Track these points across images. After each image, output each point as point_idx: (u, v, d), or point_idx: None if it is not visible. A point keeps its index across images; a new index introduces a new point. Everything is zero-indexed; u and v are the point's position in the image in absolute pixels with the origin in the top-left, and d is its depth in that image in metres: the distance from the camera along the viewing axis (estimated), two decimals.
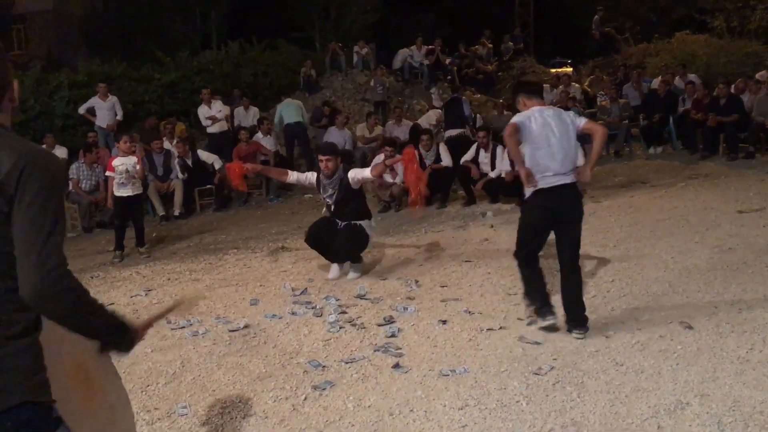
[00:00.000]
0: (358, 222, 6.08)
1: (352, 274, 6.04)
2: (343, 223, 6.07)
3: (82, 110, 12.42)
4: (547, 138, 4.19)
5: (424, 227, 8.11)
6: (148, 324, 2.06)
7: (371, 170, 6.10)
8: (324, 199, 6.18)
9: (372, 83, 15.01)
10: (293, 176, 6.32)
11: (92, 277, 6.78)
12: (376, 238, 6.93)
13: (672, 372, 3.63)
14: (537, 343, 4.17)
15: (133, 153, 7.88)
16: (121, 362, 4.32)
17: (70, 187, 9.77)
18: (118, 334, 1.79)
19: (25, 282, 1.55)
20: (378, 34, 23.04)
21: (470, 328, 4.53)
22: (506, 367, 3.86)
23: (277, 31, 22.12)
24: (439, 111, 12.87)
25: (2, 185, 1.55)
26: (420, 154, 9.63)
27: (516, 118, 4.27)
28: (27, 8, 26.86)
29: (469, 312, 4.85)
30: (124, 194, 7.55)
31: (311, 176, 6.21)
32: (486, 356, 4.05)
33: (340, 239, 6.00)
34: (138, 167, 7.64)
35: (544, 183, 4.21)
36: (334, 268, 6.10)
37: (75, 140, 12.29)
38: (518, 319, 4.64)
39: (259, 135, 11.98)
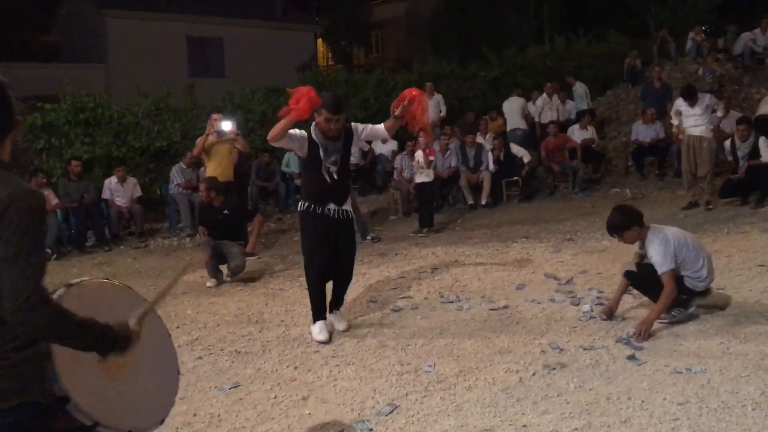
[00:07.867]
0: (348, 209, 5.02)
1: (338, 325, 5.15)
2: (337, 215, 4.93)
3: None
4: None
5: (729, 227, 7.58)
6: (144, 315, 2.13)
7: (386, 126, 4.92)
8: (325, 165, 4.84)
9: (700, 72, 14.00)
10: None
11: (396, 254, 7.84)
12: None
13: None
14: None
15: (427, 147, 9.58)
16: (393, 324, 5.14)
17: (395, 176, 11.16)
18: (108, 344, 1.94)
19: (5, 309, 1.74)
20: (722, 17, 21.07)
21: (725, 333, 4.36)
22: (749, 373, 3.70)
23: (610, 20, 21.70)
24: None
25: None
26: (734, 143, 8.97)
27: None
28: (383, 15, 30.55)
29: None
30: (419, 181, 9.53)
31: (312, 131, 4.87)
32: (732, 360, 3.91)
33: (340, 258, 5.03)
34: (426, 159, 9.55)
35: None
36: (330, 320, 5.15)
37: (404, 135, 13.84)
38: None
39: (575, 128, 12.20)
